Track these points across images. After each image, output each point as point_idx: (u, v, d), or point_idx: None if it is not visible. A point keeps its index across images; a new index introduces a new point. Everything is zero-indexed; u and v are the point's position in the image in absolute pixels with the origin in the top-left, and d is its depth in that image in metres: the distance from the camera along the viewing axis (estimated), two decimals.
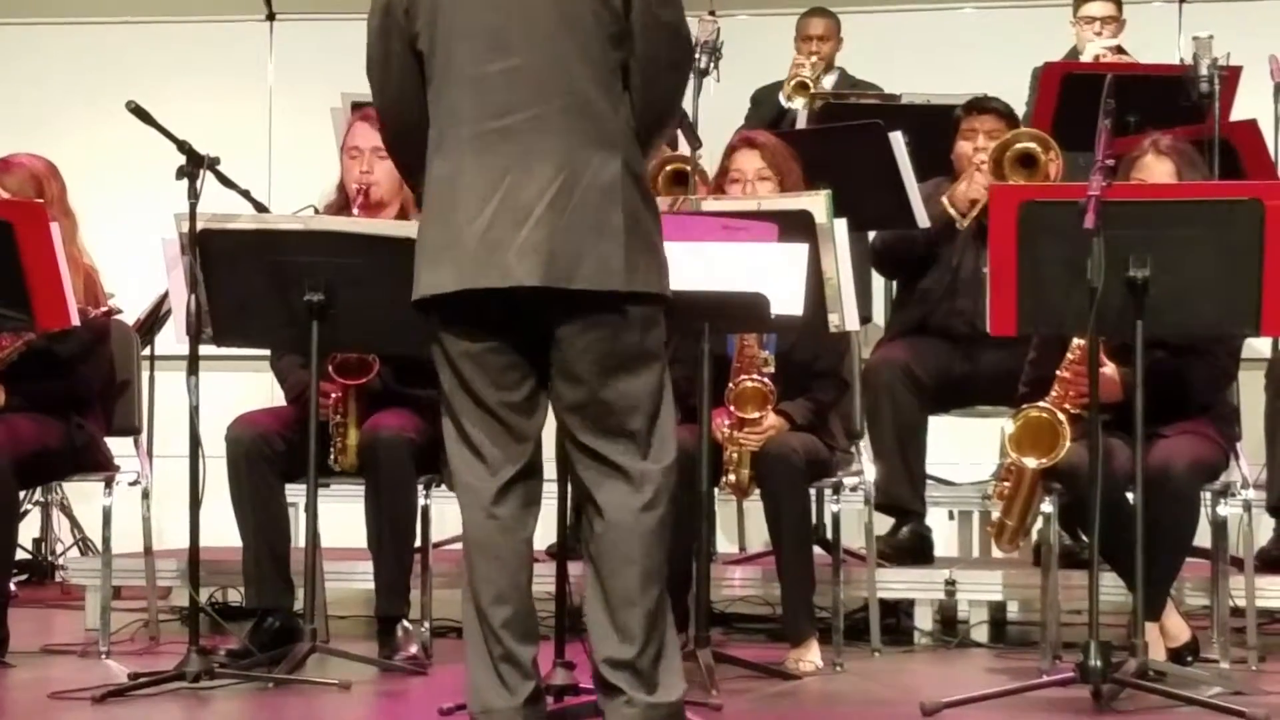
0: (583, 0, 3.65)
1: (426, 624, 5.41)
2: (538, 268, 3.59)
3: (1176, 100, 6.26)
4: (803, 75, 7.43)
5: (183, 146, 4.93)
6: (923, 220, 6.01)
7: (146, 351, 6.66)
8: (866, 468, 5.69)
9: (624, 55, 3.68)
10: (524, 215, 3.60)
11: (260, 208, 5.36)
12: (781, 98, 7.48)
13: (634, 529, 3.67)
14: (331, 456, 5.35)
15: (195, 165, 4.90)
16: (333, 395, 5.33)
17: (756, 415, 5.20)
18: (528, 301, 3.63)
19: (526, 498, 3.75)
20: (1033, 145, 5.80)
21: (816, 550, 5.47)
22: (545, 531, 4.05)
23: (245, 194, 5.20)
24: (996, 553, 5.85)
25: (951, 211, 5.99)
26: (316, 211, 5.53)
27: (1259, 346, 6.26)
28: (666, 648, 3.71)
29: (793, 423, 5.30)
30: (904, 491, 5.94)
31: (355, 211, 5.43)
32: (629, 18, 3.66)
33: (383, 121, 3.91)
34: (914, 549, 6.03)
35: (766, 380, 5.23)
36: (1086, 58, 7.08)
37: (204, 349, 4.95)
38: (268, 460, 5.31)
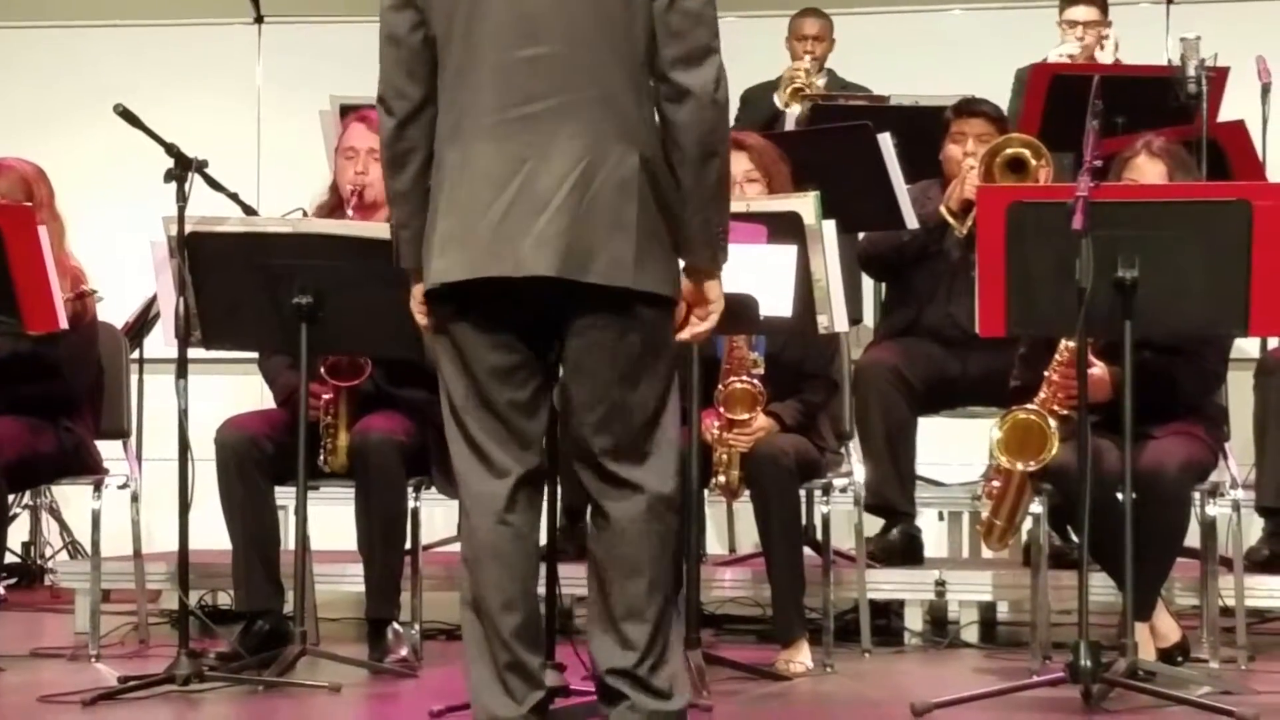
0: None
1: (417, 626, 5.40)
2: (553, 258, 3.53)
3: (1164, 101, 6.28)
4: (799, 80, 7.45)
5: (170, 149, 4.92)
6: (911, 222, 6.01)
7: (135, 354, 6.65)
8: (856, 469, 5.69)
9: (651, 50, 3.61)
10: (541, 205, 3.55)
11: (249, 210, 5.36)
12: (778, 101, 7.49)
13: (639, 539, 3.63)
14: (321, 458, 5.34)
15: (183, 168, 4.89)
16: (324, 397, 5.32)
17: (746, 416, 5.21)
18: (539, 294, 3.58)
19: (534, 503, 3.71)
20: (1023, 151, 5.79)
21: (806, 551, 5.47)
22: None
23: (233, 196, 5.19)
24: (986, 553, 5.86)
25: (950, 219, 5.98)
26: (305, 214, 5.53)
27: (1247, 347, 6.27)
28: (670, 655, 3.68)
29: (782, 424, 5.30)
30: (894, 493, 5.94)
31: (349, 213, 5.42)
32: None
33: (385, 107, 3.71)
34: (904, 550, 6.03)
35: (756, 382, 5.23)
36: (1052, 59, 7.08)
37: (193, 352, 4.95)
38: (257, 463, 5.31)
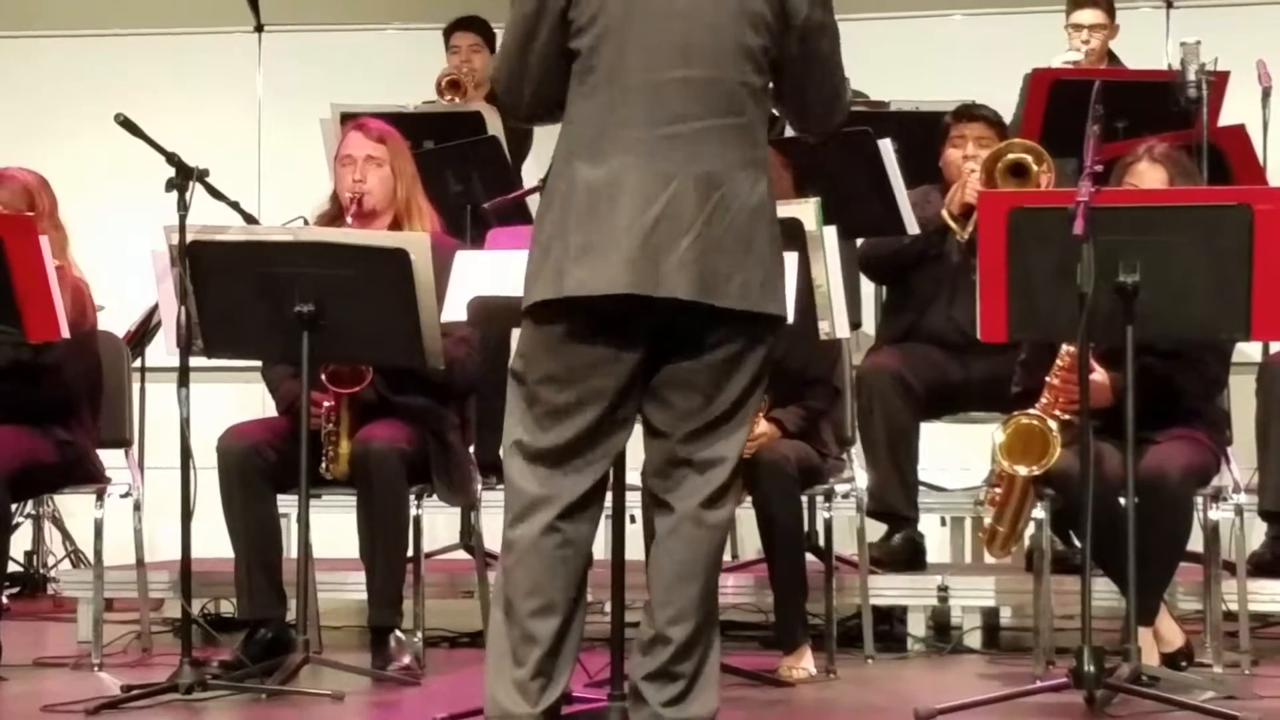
0: (756, 19, 3.65)
1: (419, 634, 5.40)
2: (693, 282, 3.57)
3: (1165, 106, 6.28)
4: None
5: (171, 159, 4.93)
6: (912, 227, 6.01)
7: (137, 363, 6.65)
8: (858, 474, 5.69)
9: (770, 80, 3.71)
10: (685, 226, 3.58)
11: (250, 219, 5.36)
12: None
13: (703, 539, 3.66)
14: (323, 465, 5.34)
15: (184, 177, 4.90)
16: (325, 404, 5.32)
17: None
18: (665, 314, 3.60)
19: (592, 515, 3.71)
20: (1025, 156, 5.78)
21: (809, 557, 5.47)
22: None
23: (235, 205, 5.19)
24: (989, 558, 5.86)
25: (951, 223, 5.98)
26: (306, 223, 5.53)
27: (1249, 351, 6.26)
28: (709, 664, 3.70)
29: (784, 430, 5.30)
30: (896, 498, 5.94)
31: (349, 220, 5.42)
32: (786, 32, 3.68)
33: (506, 109, 3.76)
34: (906, 556, 6.03)
35: None
36: (1056, 64, 7.08)
37: (194, 361, 4.95)
38: (259, 471, 5.30)
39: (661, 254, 3.57)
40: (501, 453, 3.77)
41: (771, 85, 3.74)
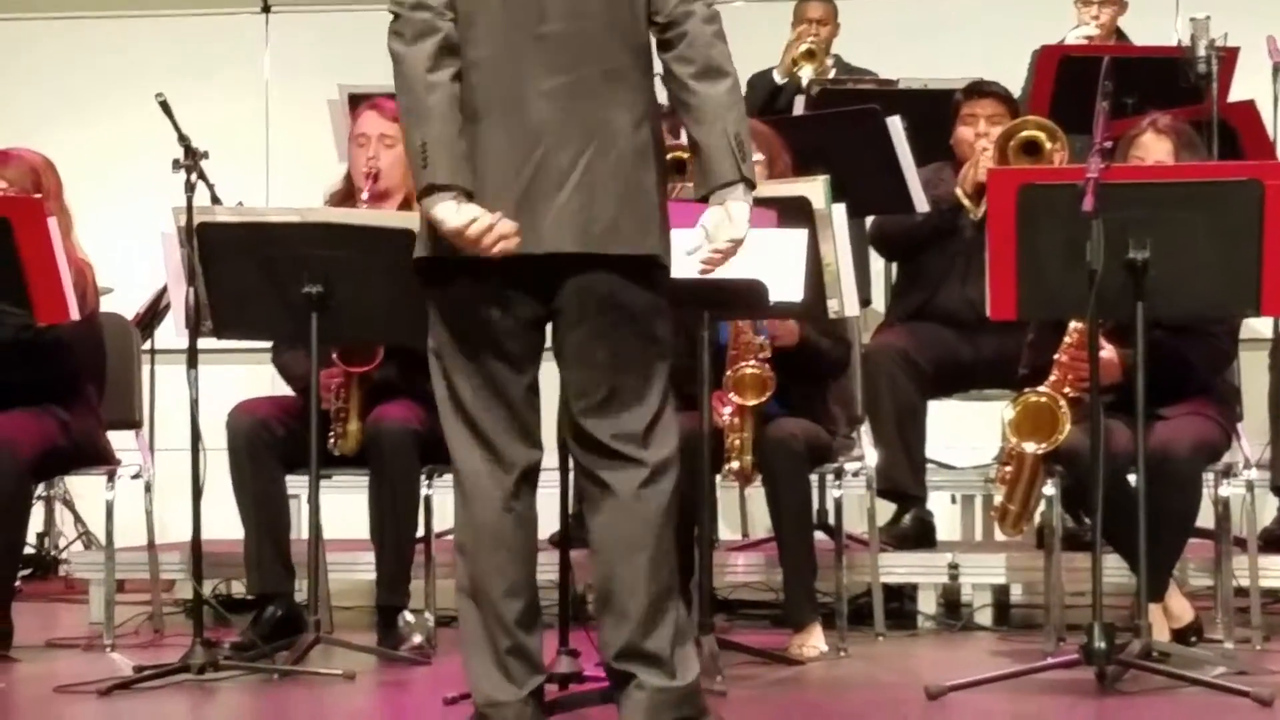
0: None
1: (430, 614, 5.41)
2: (575, 233, 3.56)
3: (1175, 82, 6.26)
4: (808, 43, 7.42)
5: (182, 140, 4.94)
6: (921, 205, 6.00)
7: (147, 345, 6.66)
8: (868, 453, 5.69)
9: (652, 25, 3.65)
10: (560, 180, 3.56)
11: (217, 202, 5.31)
12: (777, 75, 7.48)
13: (638, 513, 3.63)
14: (331, 441, 5.33)
15: (193, 159, 4.91)
16: (334, 382, 5.31)
17: (755, 402, 5.19)
18: (554, 271, 3.58)
19: (533, 486, 3.72)
20: (1038, 133, 5.76)
21: (819, 535, 5.47)
22: (548, 519, 4.04)
23: (211, 189, 5.14)
24: (999, 536, 5.86)
25: (966, 201, 5.97)
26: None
27: (1260, 327, 6.25)
28: (677, 632, 3.68)
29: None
30: (905, 477, 5.94)
31: (363, 199, 5.43)
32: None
33: None
34: (916, 534, 6.03)
35: (765, 365, 5.22)
36: (1071, 40, 7.06)
37: (204, 342, 4.95)
38: (267, 445, 5.30)
39: (537, 212, 3.55)
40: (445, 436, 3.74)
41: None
